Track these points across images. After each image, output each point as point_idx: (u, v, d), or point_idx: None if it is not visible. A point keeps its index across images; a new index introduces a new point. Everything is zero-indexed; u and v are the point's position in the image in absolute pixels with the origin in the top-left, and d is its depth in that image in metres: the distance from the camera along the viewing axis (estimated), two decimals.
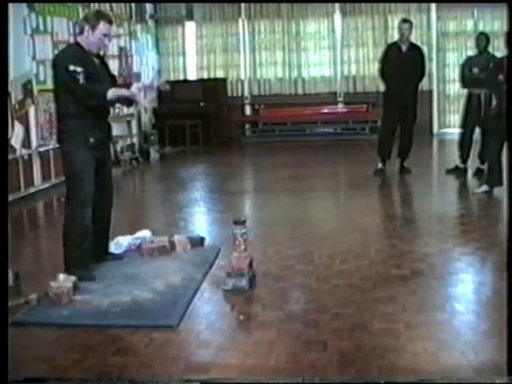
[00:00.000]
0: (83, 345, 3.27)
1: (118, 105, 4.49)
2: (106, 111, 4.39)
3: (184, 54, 13.12)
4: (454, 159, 8.18)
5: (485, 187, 6.73)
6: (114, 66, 10.17)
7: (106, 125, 4.43)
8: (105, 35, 4.22)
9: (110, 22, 4.28)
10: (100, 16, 4.25)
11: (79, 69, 4.03)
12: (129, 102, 4.46)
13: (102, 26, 4.19)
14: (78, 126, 4.14)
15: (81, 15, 9.15)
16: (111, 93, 4.09)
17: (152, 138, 11.23)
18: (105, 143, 4.42)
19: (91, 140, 4.17)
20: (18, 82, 7.39)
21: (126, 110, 10.39)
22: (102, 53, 4.51)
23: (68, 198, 4.28)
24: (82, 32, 4.23)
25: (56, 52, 8.35)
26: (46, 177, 8.05)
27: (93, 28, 4.17)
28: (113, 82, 4.41)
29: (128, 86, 4.50)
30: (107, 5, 10.26)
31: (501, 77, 6.61)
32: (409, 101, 8.13)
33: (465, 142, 7.94)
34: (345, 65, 12.74)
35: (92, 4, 9.56)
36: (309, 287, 4.05)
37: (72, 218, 4.21)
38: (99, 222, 4.42)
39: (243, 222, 4.07)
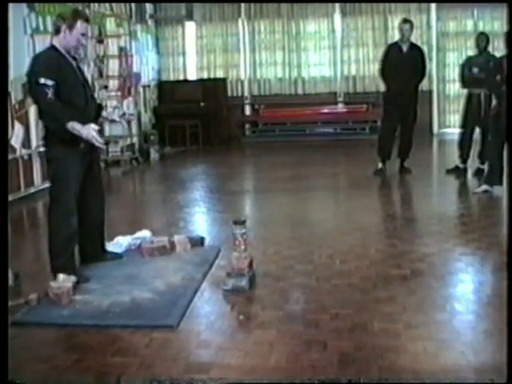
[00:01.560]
0: (83, 345, 3.27)
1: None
2: (96, 114, 4.28)
3: (184, 54, 13.12)
4: (454, 159, 8.18)
5: (485, 187, 6.73)
6: (114, 65, 10.19)
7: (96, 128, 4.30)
8: (83, 35, 4.11)
9: (87, 21, 4.16)
10: (77, 15, 4.12)
11: (50, 82, 3.88)
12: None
13: (80, 25, 4.06)
14: (67, 131, 3.97)
15: None
16: (70, 125, 3.93)
17: (152, 137, 11.23)
18: (95, 146, 4.25)
19: (82, 145, 4.07)
20: (18, 82, 7.38)
21: (126, 110, 10.41)
22: (81, 54, 4.40)
23: (53, 205, 4.18)
24: (58, 32, 4.08)
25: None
26: (46, 177, 8.03)
27: (70, 27, 4.03)
28: (89, 88, 4.29)
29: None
30: (107, 5, 10.27)
31: (500, 77, 6.61)
32: (409, 101, 8.13)
33: (465, 142, 7.94)
34: (345, 65, 12.74)
35: (92, 4, 9.57)
36: (309, 287, 4.05)
37: (57, 226, 4.14)
38: (92, 225, 4.40)
39: (243, 222, 4.07)
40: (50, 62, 4.01)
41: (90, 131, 3.98)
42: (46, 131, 4.16)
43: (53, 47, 4.12)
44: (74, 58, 4.23)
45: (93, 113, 4.26)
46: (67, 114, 3.97)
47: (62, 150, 4.07)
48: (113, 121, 9.79)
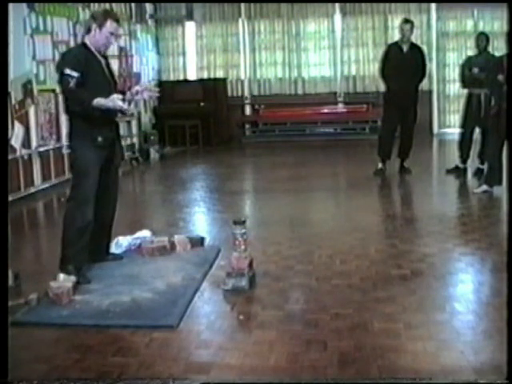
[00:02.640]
0: (83, 345, 3.27)
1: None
2: (113, 110, 4.32)
3: (184, 54, 13.11)
4: (454, 159, 8.18)
5: (484, 187, 6.74)
6: (113, 66, 10.16)
7: (114, 124, 4.43)
8: (112, 34, 4.23)
9: (117, 21, 4.29)
10: (107, 14, 4.27)
11: (74, 73, 4.02)
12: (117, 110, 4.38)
13: (109, 25, 4.19)
14: (86, 126, 4.15)
15: (81, 15, 9.18)
16: (96, 102, 4.05)
17: (152, 138, 11.23)
18: (113, 142, 4.38)
19: (99, 139, 4.18)
20: (17, 82, 7.38)
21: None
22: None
23: (71, 195, 4.30)
24: (89, 31, 4.22)
25: (57, 52, 8.38)
26: (45, 177, 8.05)
27: (100, 27, 4.17)
28: (115, 85, 4.40)
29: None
30: (107, 5, 10.26)
31: (500, 77, 6.62)
32: (409, 101, 8.13)
33: (465, 142, 7.94)
34: (345, 65, 12.74)
35: (92, 4, 9.56)
36: (309, 287, 4.05)
37: (72, 215, 4.21)
38: (102, 221, 4.41)
39: (243, 222, 4.07)
40: (78, 56, 4.15)
41: (115, 101, 4.08)
42: (70, 126, 4.27)
43: (83, 44, 4.26)
44: (104, 57, 4.35)
45: (114, 111, 4.35)
46: (91, 95, 4.07)
47: (80, 144, 4.18)
48: None
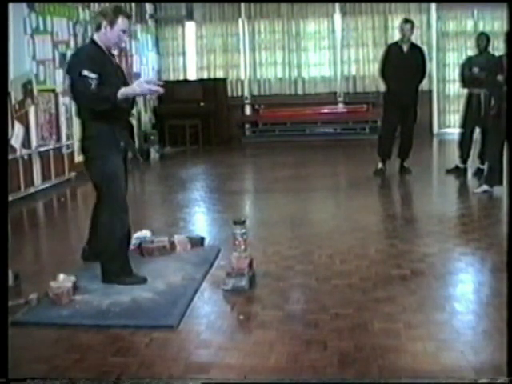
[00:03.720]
0: (83, 345, 3.27)
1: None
2: (127, 111, 4.22)
3: (184, 54, 13.12)
4: (454, 159, 8.18)
5: (485, 187, 6.73)
6: None
7: (129, 126, 4.31)
8: (124, 31, 4.05)
9: (129, 17, 4.11)
10: (118, 11, 4.04)
11: (93, 75, 3.82)
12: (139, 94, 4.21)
13: (121, 22, 3.99)
14: (107, 129, 3.96)
15: (81, 15, 9.18)
16: (120, 93, 3.86)
17: (152, 137, 11.23)
18: (131, 145, 4.29)
19: (121, 143, 4.05)
20: (17, 82, 7.38)
21: None
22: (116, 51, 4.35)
23: (104, 205, 4.07)
24: (98, 28, 4.01)
25: (57, 52, 8.38)
26: (46, 177, 8.05)
27: (111, 24, 3.97)
28: (125, 83, 4.20)
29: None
30: (107, 5, 10.24)
31: (500, 77, 6.62)
32: (409, 101, 8.13)
33: (465, 142, 7.94)
34: (345, 65, 12.74)
35: (92, 4, 9.56)
36: (309, 287, 4.05)
37: (112, 226, 4.02)
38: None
39: (243, 222, 4.07)
40: (93, 56, 3.95)
41: (142, 85, 3.93)
42: (88, 131, 4.03)
43: (93, 42, 4.06)
44: (112, 55, 4.21)
45: (127, 111, 4.25)
46: (113, 89, 3.89)
47: (104, 149, 3.99)
48: None
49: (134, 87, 3.94)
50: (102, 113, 3.90)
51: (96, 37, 4.06)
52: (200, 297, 3.92)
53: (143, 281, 4.07)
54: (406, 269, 4.32)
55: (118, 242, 4.06)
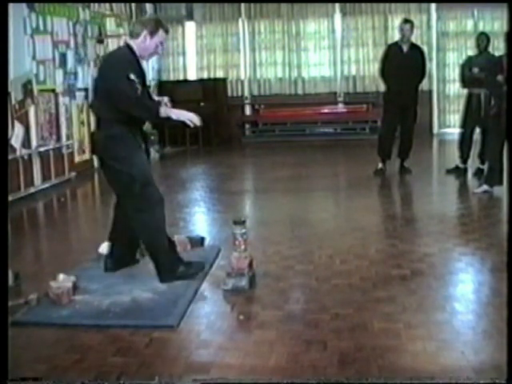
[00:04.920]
0: (83, 345, 3.27)
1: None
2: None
3: (184, 54, 13.11)
4: (454, 159, 8.18)
5: (485, 187, 6.73)
6: None
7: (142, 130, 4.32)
8: (161, 43, 4.11)
9: (167, 32, 4.16)
10: (160, 23, 4.08)
11: (136, 79, 3.87)
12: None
13: (161, 34, 4.06)
14: (128, 131, 3.99)
15: (81, 15, 9.19)
16: (163, 112, 3.93)
17: (152, 137, 11.21)
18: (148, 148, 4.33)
19: (143, 145, 4.11)
20: (17, 82, 7.39)
21: None
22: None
23: (139, 206, 4.02)
24: (137, 36, 4.02)
25: (57, 52, 8.37)
26: (46, 177, 8.05)
27: (151, 34, 4.01)
28: (149, 95, 4.29)
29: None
30: (107, 5, 10.27)
31: (500, 77, 6.61)
32: (409, 101, 8.13)
33: (465, 142, 7.94)
34: (345, 65, 12.73)
35: (92, 4, 9.57)
36: (309, 287, 4.05)
37: (157, 225, 4.06)
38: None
39: (243, 222, 4.07)
40: (132, 62, 4.00)
41: (191, 116, 4.00)
42: (102, 130, 4.02)
43: (128, 47, 4.05)
44: None
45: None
46: (156, 103, 3.99)
47: (130, 148, 4.01)
48: None
49: (178, 113, 3.99)
50: (131, 116, 3.93)
51: (132, 43, 4.06)
52: (200, 297, 3.92)
53: (202, 268, 4.15)
54: (406, 269, 4.32)
55: (165, 238, 4.13)
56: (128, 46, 4.07)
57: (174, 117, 3.96)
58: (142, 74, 4.05)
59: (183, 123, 4.02)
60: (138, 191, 4.01)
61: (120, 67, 3.93)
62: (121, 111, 3.91)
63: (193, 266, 4.19)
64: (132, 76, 3.85)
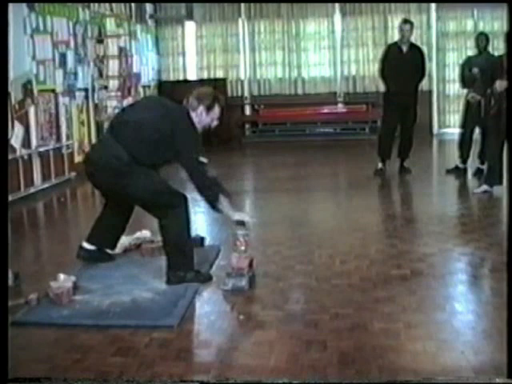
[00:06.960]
0: (83, 345, 3.27)
1: None
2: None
3: (184, 54, 13.11)
4: (454, 159, 8.18)
5: (485, 187, 6.73)
6: (113, 66, 10.18)
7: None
8: (217, 118, 4.24)
9: (223, 108, 4.29)
10: (217, 99, 4.22)
11: (205, 160, 4.21)
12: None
13: (217, 109, 4.19)
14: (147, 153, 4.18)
15: (81, 15, 9.19)
16: (226, 207, 4.13)
17: None
18: None
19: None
20: (18, 82, 7.38)
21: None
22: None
23: (167, 213, 4.23)
24: (194, 109, 4.19)
25: (57, 52, 8.36)
26: (45, 177, 8.05)
27: (208, 109, 4.15)
28: None
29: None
30: (107, 5, 10.27)
31: (498, 82, 6.59)
32: (409, 101, 8.13)
33: (465, 142, 7.94)
34: (345, 65, 12.74)
35: (92, 4, 9.57)
36: (309, 287, 4.05)
37: (182, 229, 4.19)
38: (126, 216, 4.57)
39: (245, 223, 4.08)
40: (199, 140, 4.22)
41: (241, 214, 4.24)
42: (137, 155, 4.11)
43: (190, 118, 4.19)
44: None
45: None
46: (217, 190, 4.22)
47: (143, 167, 4.16)
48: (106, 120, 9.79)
49: (237, 214, 4.19)
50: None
51: (192, 114, 4.19)
52: (200, 297, 3.92)
53: (209, 278, 4.17)
54: (405, 269, 4.31)
55: (190, 241, 4.24)
56: (190, 118, 4.18)
57: (230, 214, 4.14)
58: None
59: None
60: (164, 203, 4.26)
61: (191, 146, 4.17)
62: (165, 161, 4.29)
63: (202, 275, 4.17)
64: (202, 159, 4.18)
